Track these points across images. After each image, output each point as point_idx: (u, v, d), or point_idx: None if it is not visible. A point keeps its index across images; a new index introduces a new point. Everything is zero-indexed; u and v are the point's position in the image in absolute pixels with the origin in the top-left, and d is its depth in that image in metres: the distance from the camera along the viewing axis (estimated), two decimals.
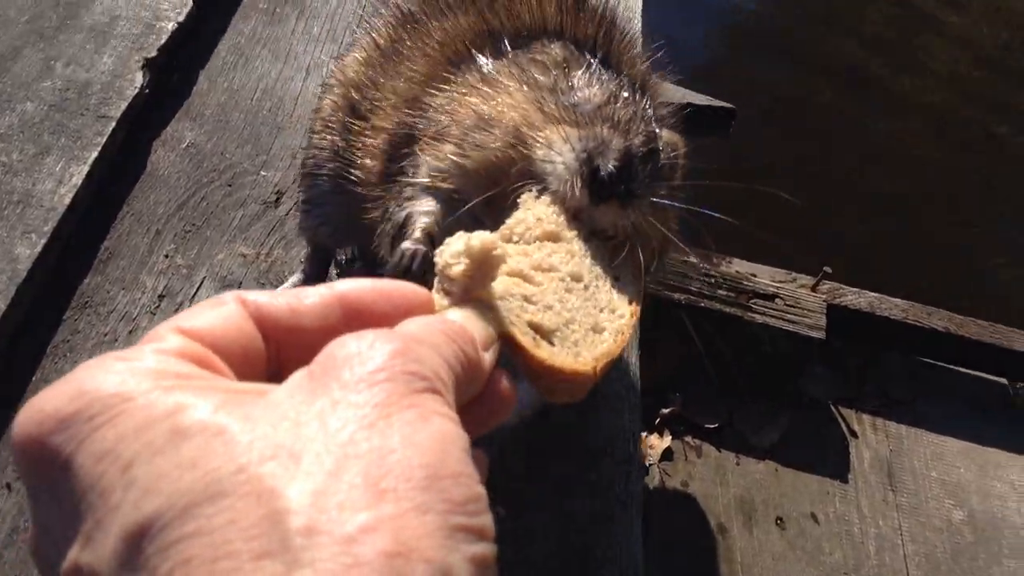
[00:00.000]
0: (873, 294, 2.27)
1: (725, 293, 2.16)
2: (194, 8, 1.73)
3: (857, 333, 2.28)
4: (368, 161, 1.16)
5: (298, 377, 0.47)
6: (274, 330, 0.53)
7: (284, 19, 1.88)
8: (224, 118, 1.64)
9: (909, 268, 2.85)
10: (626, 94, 1.03)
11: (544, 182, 0.91)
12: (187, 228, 1.45)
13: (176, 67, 1.70)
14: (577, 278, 0.80)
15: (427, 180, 1.03)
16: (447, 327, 0.55)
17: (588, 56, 1.09)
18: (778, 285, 2.22)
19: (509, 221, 0.81)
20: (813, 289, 2.25)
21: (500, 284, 0.68)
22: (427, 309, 0.58)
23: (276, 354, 0.53)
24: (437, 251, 0.63)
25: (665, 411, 2.14)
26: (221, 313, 0.51)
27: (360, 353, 0.47)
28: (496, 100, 1.01)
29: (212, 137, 1.60)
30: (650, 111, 1.06)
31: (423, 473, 0.43)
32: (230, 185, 1.53)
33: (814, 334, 2.11)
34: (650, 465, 2.08)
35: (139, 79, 1.56)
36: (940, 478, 2.11)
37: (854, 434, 2.17)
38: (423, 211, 1.02)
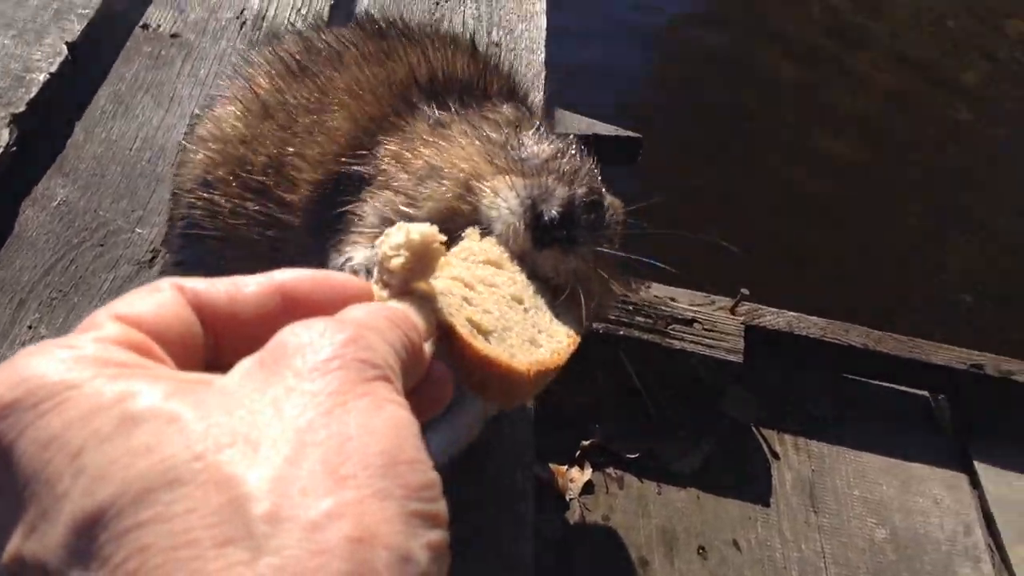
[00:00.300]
0: (792, 313, 2.26)
1: (643, 320, 2.14)
2: (69, 56, 1.67)
3: (777, 353, 2.26)
4: (288, 217, 1.14)
5: (248, 364, 0.47)
6: (212, 318, 0.53)
7: (169, 62, 1.82)
8: (100, 172, 1.58)
9: (834, 283, 2.86)
10: (573, 151, 1.09)
11: (489, 226, 0.93)
12: (53, 295, 1.40)
13: (50, 118, 1.64)
14: (518, 300, 0.81)
15: (375, 229, 1.04)
16: (391, 313, 0.56)
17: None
18: (696, 309, 2.20)
19: (454, 248, 0.82)
20: (732, 311, 2.23)
21: (441, 282, 0.68)
22: (366, 300, 0.59)
23: (214, 343, 0.53)
24: (377, 242, 0.63)
25: (585, 443, 2.11)
26: (159, 299, 0.51)
27: (312, 342, 0.48)
28: (448, 153, 1.04)
29: (86, 193, 1.54)
30: (595, 168, 1.11)
31: (381, 460, 0.43)
32: (102, 245, 1.47)
33: (732, 357, 2.09)
34: (571, 499, 2.05)
35: (4, 137, 1.50)
36: (862, 496, 2.09)
37: (776, 456, 2.15)
38: (366, 256, 1.02)
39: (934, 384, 2.28)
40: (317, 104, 1.17)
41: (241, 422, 0.42)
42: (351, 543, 0.39)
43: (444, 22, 2.02)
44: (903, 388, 2.30)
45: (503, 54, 1.98)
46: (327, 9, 2.05)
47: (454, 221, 0.96)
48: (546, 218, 0.92)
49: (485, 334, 0.71)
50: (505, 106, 1.14)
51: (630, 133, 2.05)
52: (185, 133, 1.42)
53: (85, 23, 1.75)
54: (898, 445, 2.20)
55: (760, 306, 2.27)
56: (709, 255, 2.82)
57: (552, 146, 1.07)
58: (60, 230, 1.49)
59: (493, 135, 1.06)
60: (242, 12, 1.97)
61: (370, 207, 1.05)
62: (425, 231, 0.62)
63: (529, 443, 1.43)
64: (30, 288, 1.41)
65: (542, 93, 1.93)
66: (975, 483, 2.15)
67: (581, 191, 0.99)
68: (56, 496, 0.40)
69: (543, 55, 2.00)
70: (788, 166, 3.38)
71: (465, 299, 0.71)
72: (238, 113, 1.22)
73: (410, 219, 0.99)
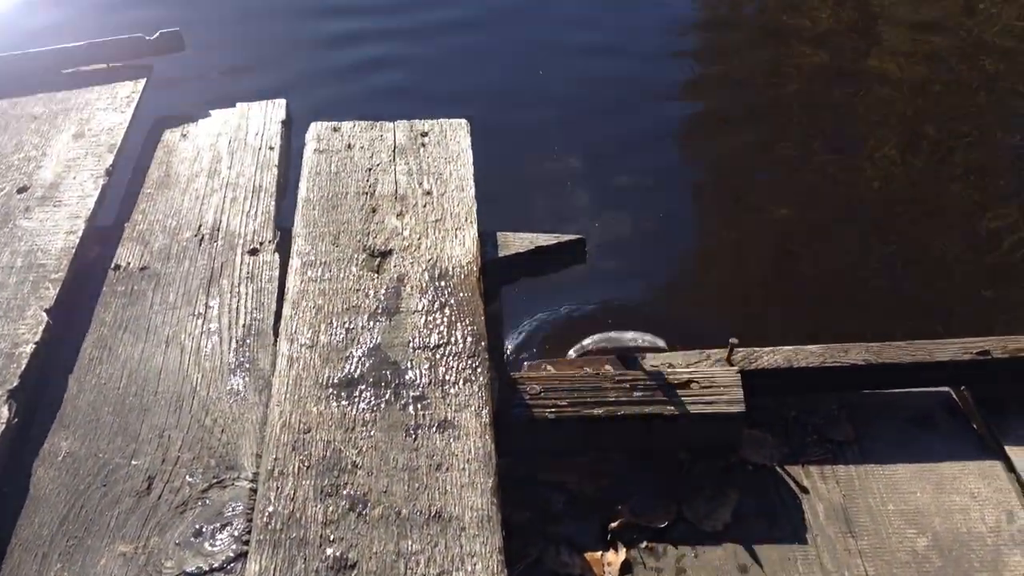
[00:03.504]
0: (787, 348, 2.30)
1: (641, 394, 2.20)
2: (49, 321, 1.89)
3: (783, 389, 2.31)
4: None
5: None
6: None
7: (142, 295, 2.03)
8: (95, 417, 1.78)
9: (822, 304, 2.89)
10: None
11: None
12: (70, 543, 1.58)
13: (46, 378, 1.86)
14: None
15: None
16: None
17: None
18: (692, 369, 2.26)
19: None
20: (728, 361, 2.29)
21: None
22: None
23: None
24: None
25: (613, 524, 2.18)
26: None
27: None
28: None
29: (85, 440, 1.74)
30: None
31: None
32: (105, 485, 1.66)
33: (733, 408, 2.14)
34: None
35: (5, 414, 1.71)
36: (898, 509, 2.10)
37: (805, 490, 2.17)
38: None
39: (946, 380, 2.28)
40: None
41: None
42: None
43: (379, 185, 2.18)
44: (918, 389, 2.31)
45: (435, 201, 2.13)
46: (272, 205, 2.25)
47: None
48: None
49: None
50: None
51: (571, 237, 2.16)
52: None
53: (59, 286, 1.97)
54: (924, 448, 2.20)
55: (755, 349, 2.31)
56: (695, 312, 2.90)
57: None
58: (68, 480, 1.68)
59: None
60: (199, 229, 2.18)
61: None
62: None
63: None
64: (50, 541, 1.58)
65: (475, 227, 2.07)
66: (1010, 467, 2.13)
67: None
68: None
69: (473, 190, 2.15)
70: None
71: None
72: None
73: None
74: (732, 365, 2.26)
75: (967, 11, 4.74)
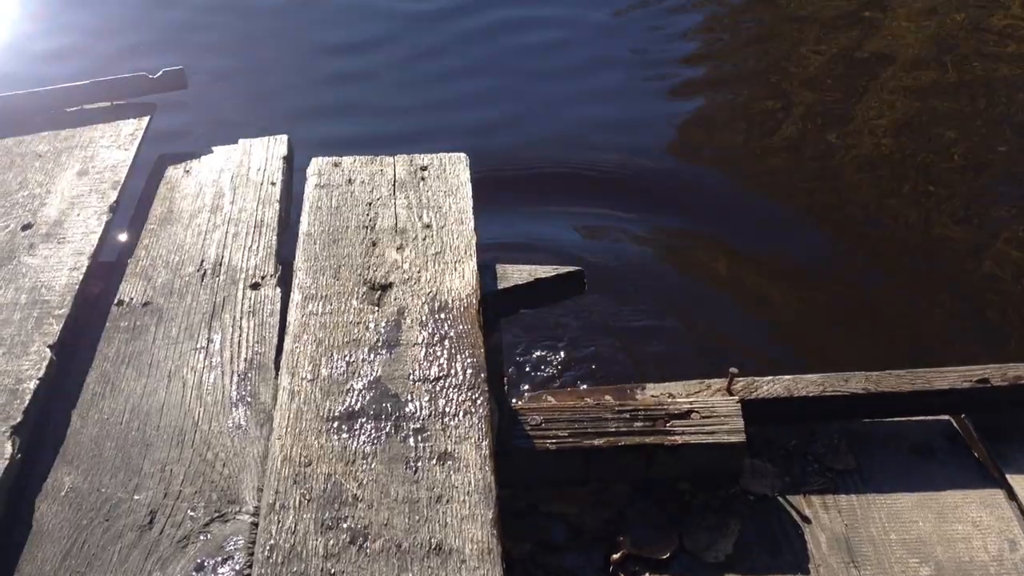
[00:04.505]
0: (787, 377, 2.31)
1: (641, 424, 2.21)
2: (53, 357, 1.91)
3: (783, 418, 2.31)
4: None
5: None
6: None
7: (144, 330, 2.05)
8: (97, 452, 1.79)
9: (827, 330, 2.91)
10: None
11: None
12: None
13: (49, 413, 1.87)
14: None
15: None
16: None
17: None
18: (692, 399, 2.27)
19: None
20: (728, 391, 2.30)
21: None
22: None
23: None
24: None
25: (615, 556, 2.18)
26: None
27: None
28: None
29: (88, 475, 1.74)
30: None
31: None
32: (107, 520, 1.66)
33: (734, 439, 2.15)
34: None
35: (8, 449, 1.72)
36: (900, 538, 2.09)
37: (806, 519, 2.17)
38: None
39: (946, 408, 2.29)
40: None
41: None
42: None
43: (379, 219, 2.21)
44: (918, 417, 2.32)
45: (435, 234, 2.16)
46: (274, 240, 2.27)
47: None
48: None
49: None
50: None
51: (570, 268, 2.18)
52: None
53: (63, 322, 1.99)
54: (925, 477, 2.20)
55: (755, 378, 2.32)
56: (693, 345, 2.92)
57: None
58: (71, 515, 1.68)
59: None
60: (201, 264, 2.20)
61: None
62: None
63: None
64: None
65: (474, 260, 2.08)
66: (1012, 495, 2.13)
67: None
68: None
69: (472, 223, 2.17)
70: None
71: None
72: None
73: None
74: (732, 395, 2.27)
75: None
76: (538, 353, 3.07)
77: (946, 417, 2.32)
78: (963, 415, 2.29)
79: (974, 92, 4.29)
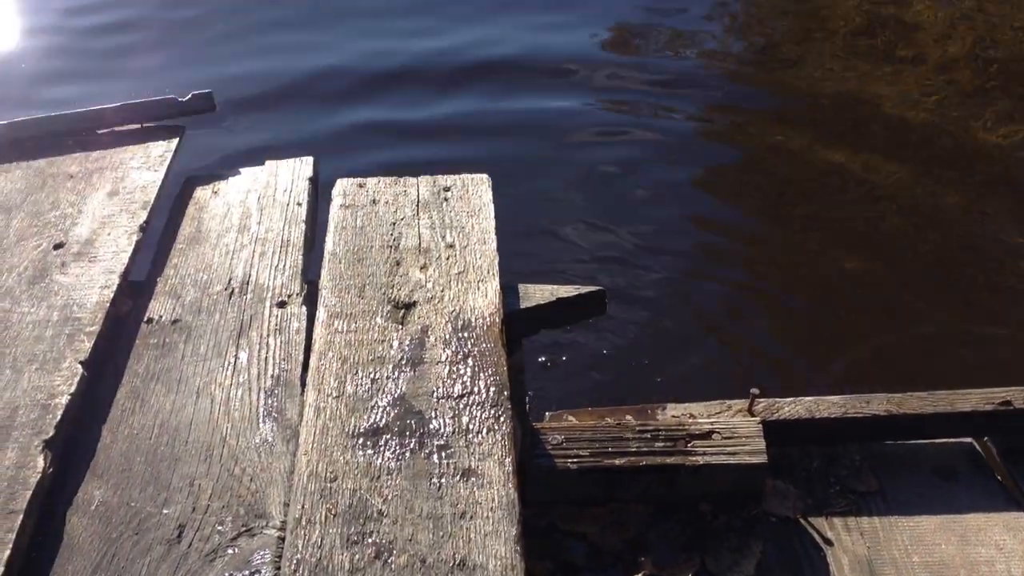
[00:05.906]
0: (808, 399, 2.31)
1: (662, 444, 2.21)
2: (84, 373, 1.95)
3: (805, 439, 2.32)
4: None
5: None
6: None
7: (173, 347, 2.08)
8: (127, 466, 1.82)
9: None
10: None
11: None
12: None
13: (80, 428, 1.91)
14: None
15: None
16: None
17: None
18: (713, 419, 2.28)
19: None
20: (750, 412, 2.30)
21: None
22: None
23: None
24: None
25: None
26: None
27: None
28: None
29: (118, 490, 1.77)
30: None
31: None
32: (137, 533, 1.69)
33: (755, 459, 2.15)
34: None
35: (40, 463, 1.76)
36: (923, 561, 2.09)
37: (828, 542, 2.17)
38: None
39: (969, 430, 2.28)
40: None
41: None
42: None
43: (403, 239, 2.24)
44: (941, 439, 2.31)
45: (458, 254, 2.18)
46: (300, 259, 2.31)
47: None
48: None
49: None
50: None
51: (591, 288, 2.20)
52: None
53: (94, 339, 2.03)
54: (948, 500, 2.19)
55: (777, 399, 2.33)
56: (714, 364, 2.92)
57: None
58: (101, 529, 1.71)
59: None
60: (229, 283, 2.24)
61: None
62: None
63: None
64: None
65: (497, 279, 2.11)
66: None
67: None
68: None
69: (495, 243, 2.20)
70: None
71: None
72: None
73: None
74: (753, 416, 2.28)
75: None
76: (558, 372, 3.08)
77: (968, 439, 2.32)
78: (985, 437, 2.29)
79: None
